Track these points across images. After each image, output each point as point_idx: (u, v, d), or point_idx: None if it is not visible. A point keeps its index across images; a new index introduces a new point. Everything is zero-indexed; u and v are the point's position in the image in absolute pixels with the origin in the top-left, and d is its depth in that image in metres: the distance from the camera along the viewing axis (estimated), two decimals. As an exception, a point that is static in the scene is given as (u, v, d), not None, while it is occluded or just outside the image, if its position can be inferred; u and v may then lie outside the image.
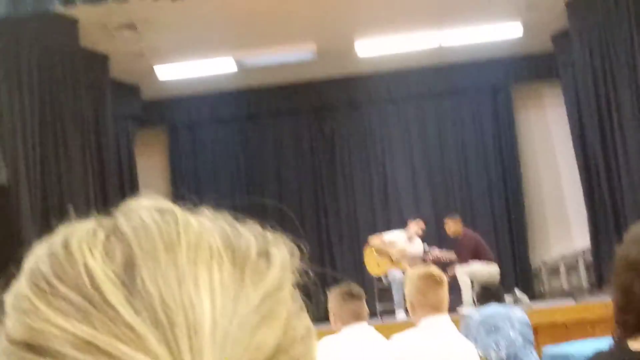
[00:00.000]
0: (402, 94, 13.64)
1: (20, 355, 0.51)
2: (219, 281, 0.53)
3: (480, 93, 13.83)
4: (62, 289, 0.52)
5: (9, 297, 0.55)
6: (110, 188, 11.31)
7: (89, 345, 0.49)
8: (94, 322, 0.50)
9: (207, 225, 0.57)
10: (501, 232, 13.32)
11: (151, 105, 13.40)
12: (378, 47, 12.22)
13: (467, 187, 13.68)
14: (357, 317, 4.54)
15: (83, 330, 0.49)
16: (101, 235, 0.55)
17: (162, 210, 0.58)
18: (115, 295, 0.51)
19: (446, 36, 11.99)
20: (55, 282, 0.53)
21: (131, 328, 0.49)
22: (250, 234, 0.59)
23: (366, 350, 4.30)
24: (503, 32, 12.16)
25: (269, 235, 0.60)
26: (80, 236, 0.55)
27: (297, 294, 0.59)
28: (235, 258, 0.55)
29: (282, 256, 0.58)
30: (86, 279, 0.52)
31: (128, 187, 12.58)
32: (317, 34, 11.67)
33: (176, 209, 0.59)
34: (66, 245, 0.55)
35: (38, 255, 0.56)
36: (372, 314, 6.85)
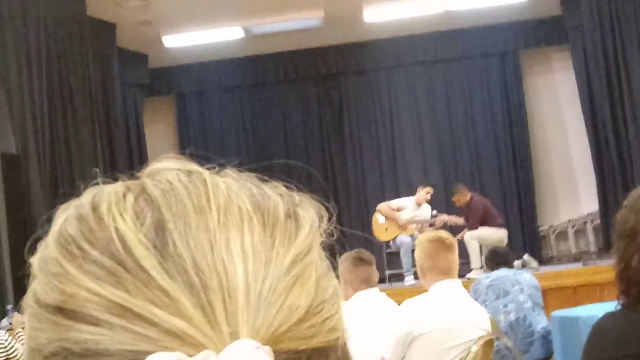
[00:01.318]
0: (410, 60, 13.58)
1: (52, 319, 0.51)
2: (250, 244, 0.53)
3: (488, 58, 13.76)
4: (94, 253, 0.51)
5: (36, 260, 0.55)
6: (118, 156, 11.35)
7: (123, 310, 0.49)
8: (128, 287, 0.49)
9: (235, 186, 0.57)
10: (509, 197, 13.31)
11: (159, 74, 13.39)
12: (385, 13, 12.15)
13: (476, 153, 13.65)
14: (367, 283, 4.56)
15: (117, 295, 0.49)
16: (130, 198, 0.55)
17: (189, 172, 0.58)
18: (148, 259, 0.50)
19: (454, 0, 11.91)
20: (85, 246, 0.52)
21: (165, 292, 0.49)
22: (276, 195, 0.59)
23: (378, 316, 4.32)
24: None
25: (296, 196, 0.60)
26: (109, 199, 0.55)
27: (324, 254, 0.59)
28: (265, 220, 0.55)
29: (310, 217, 0.58)
30: (118, 243, 0.51)
31: (136, 154, 12.63)
32: (325, 0, 11.61)
33: (203, 171, 0.58)
34: (95, 209, 0.54)
35: (66, 218, 0.56)
36: (381, 279, 6.87)
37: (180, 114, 14.26)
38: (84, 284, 0.50)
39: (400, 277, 10.75)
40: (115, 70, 11.59)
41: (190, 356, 0.47)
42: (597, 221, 12.34)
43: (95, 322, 0.49)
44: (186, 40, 12.42)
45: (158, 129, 13.96)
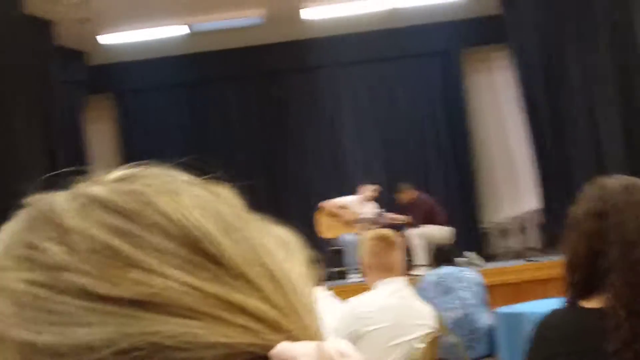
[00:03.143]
0: (352, 58, 13.61)
1: (121, 313, 0.48)
2: (283, 259, 0.55)
3: (429, 57, 13.85)
4: (170, 244, 0.51)
5: (66, 249, 0.50)
6: (58, 155, 11.15)
7: (223, 303, 0.49)
8: (222, 279, 0.50)
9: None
10: (452, 195, 13.40)
11: (98, 72, 13.23)
12: (327, 11, 12.17)
13: (418, 151, 13.73)
14: (312, 281, 4.54)
15: (209, 287, 0.50)
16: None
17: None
18: (228, 247, 0.51)
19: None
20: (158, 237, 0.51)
21: (256, 287, 0.51)
22: None
23: (322, 313, 4.29)
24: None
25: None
26: (164, 198, 0.54)
27: None
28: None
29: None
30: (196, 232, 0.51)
31: (77, 154, 12.43)
32: (267, -2, 11.61)
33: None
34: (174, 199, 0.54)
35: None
36: (325, 277, 6.86)
37: (120, 112, 14.13)
38: (174, 275, 0.49)
39: (343, 275, 10.76)
40: (53, 68, 11.41)
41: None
42: (539, 218, 12.50)
43: (192, 315, 0.48)
44: (126, 37, 12.30)
45: (99, 127, 13.82)
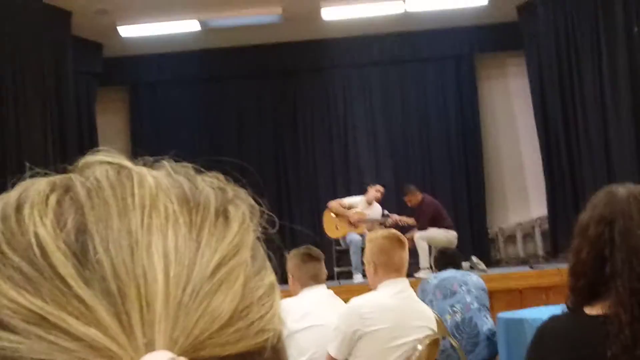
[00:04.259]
0: (366, 59, 13.62)
1: None
2: (174, 247, 0.51)
3: (444, 61, 13.84)
4: (14, 258, 0.50)
5: None
6: (69, 145, 11.21)
7: (40, 319, 0.47)
8: (45, 295, 0.48)
9: (165, 183, 0.55)
10: (460, 199, 13.40)
11: (113, 64, 13.22)
12: (344, 12, 12.17)
13: (428, 154, 13.73)
14: (315, 279, 4.56)
15: (33, 303, 0.48)
16: (53, 200, 0.53)
17: (119, 167, 0.56)
18: (65, 266, 0.49)
19: (412, 2, 11.95)
20: (7, 249, 0.51)
21: (82, 301, 0.48)
22: (210, 190, 0.57)
23: (325, 312, 4.33)
24: (468, 0, 12.17)
25: (230, 190, 0.59)
26: (32, 200, 0.53)
27: (260, 250, 0.58)
28: (192, 220, 0.54)
29: (241, 214, 0.57)
30: (37, 250, 0.50)
31: (87, 145, 12.45)
32: (284, -3, 11.63)
33: (133, 167, 0.57)
34: (18, 210, 0.53)
35: None
36: (330, 276, 6.89)
37: (133, 105, 14.16)
38: (3, 290, 0.49)
39: (349, 275, 10.78)
40: (69, 58, 11.44)
41: None
42: (546, 226, 12.50)
43: (13, 329, 0.48)
44: (142, 30, 12.29)
45: (111, 119, 13.83)
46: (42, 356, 0.47)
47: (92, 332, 0.47)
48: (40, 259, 0.49)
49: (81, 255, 0.50)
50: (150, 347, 0.47)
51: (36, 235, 0.50)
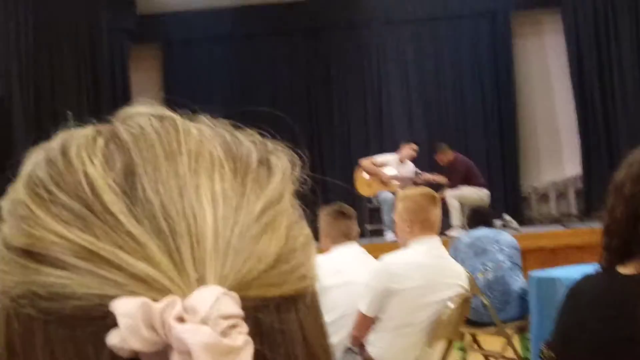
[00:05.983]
0: (400, 16, 13.51)
1: (19, 262, 0.51)
2: (221, 190, 0.53)
3: (479, 18, 13.69)
4: (62, 196, 0.51)
5: (5, 203, 0.55)
6: (103, 102, 11.27)
7: (90, 254, 0.49)
8: (95, 231, 0.49)
9: (208, 133, 0.57)
10: (493, 157, 13.32)
11: (147, 20, 13.23)
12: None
13: (462, 113, 13.64)
14: (347, 237, 4.57)
15: (84, 239, 0.49)
16: (100, 142, 0.54)
17: (161, 117, 0.57)
18: (116, 203, 0.50)
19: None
20: (54, 189, 0.52)
21: (133, 237, 0.49)
22: (250, 142, 0.59)
23: (356, 270, 4.34)
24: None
25: (269, 143, 0.60)
26: (79, 143, 0.55)
27: (296, 202, 0.59)
28: (237, 167, 0.55)
29: (282, 165, 0.58)
30: (86, 187, 0.51)
31: (121, 102, 12.37)
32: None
33: (175, 116, 0.58)
34: (65, 153, 0.54)
35: (35, 162, 0.55)
36: (362, 234, 6.89)
37: (166, 62, 14.15)
38: (52, 227, 0.50)
39: (380, 233, 10.79)
40: (103, 15, 11.45)
41: (156, 301, 0.46)
42: (579, 185, 12.42)
43: (62, 265, 0.49)
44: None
45: (144, 76, 13.84)
46: (92, 290, 0.48)
47: (143, 267, 0.48)
48: (90, 196, 0.51)
49: (131, 193, 0.51)
50: (201, 282, 0.48)
51: (85, 174, 0.52)
